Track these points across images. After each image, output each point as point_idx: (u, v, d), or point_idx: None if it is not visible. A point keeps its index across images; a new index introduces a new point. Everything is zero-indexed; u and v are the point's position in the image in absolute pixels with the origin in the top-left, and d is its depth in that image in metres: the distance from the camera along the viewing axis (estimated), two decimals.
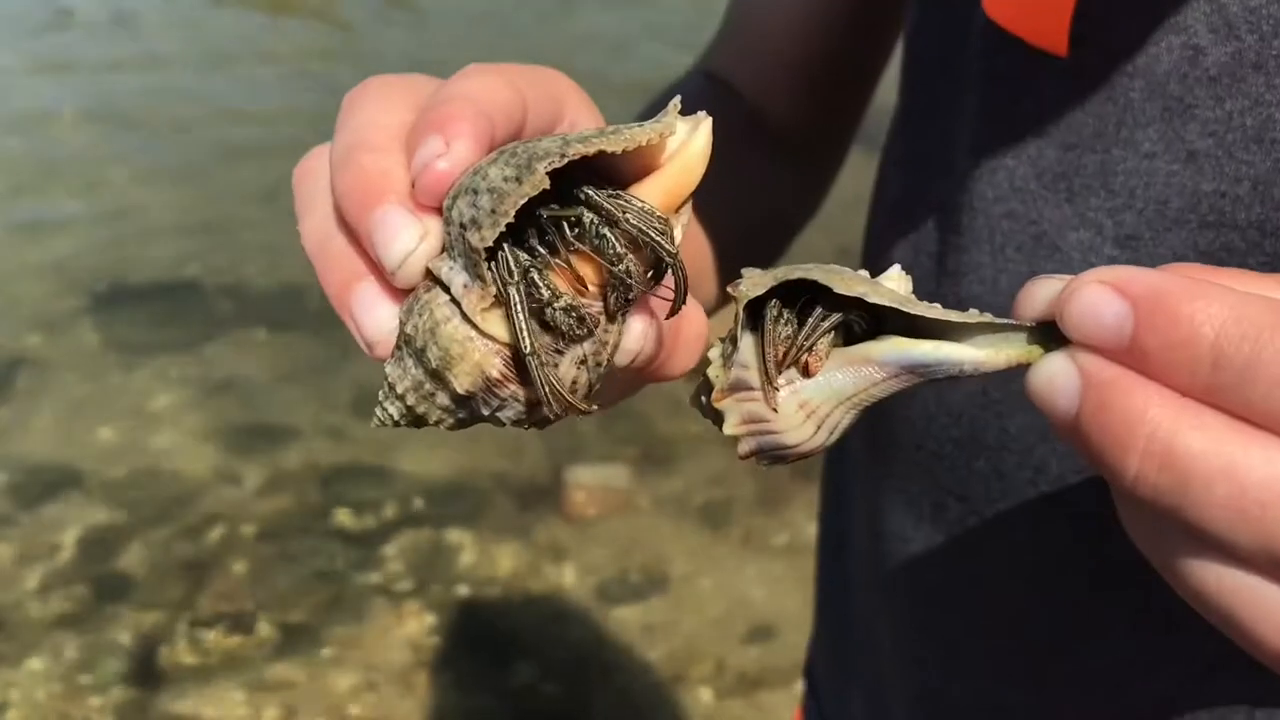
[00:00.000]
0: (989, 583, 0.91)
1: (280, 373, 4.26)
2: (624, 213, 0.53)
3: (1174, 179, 0.73)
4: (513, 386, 0.55)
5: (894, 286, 0.55)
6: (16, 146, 5.66)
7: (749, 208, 1.08)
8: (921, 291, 0.90)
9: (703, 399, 0.58)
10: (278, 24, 7.16)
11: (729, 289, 0.55)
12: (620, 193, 0.54)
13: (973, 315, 0.52)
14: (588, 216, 0.52)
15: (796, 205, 1.19)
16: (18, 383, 4.18)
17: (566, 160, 0.52)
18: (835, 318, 0.55)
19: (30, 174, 5.46)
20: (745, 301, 0.55)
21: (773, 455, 0.56)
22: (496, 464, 3.91)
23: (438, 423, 0.58)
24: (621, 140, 0.53)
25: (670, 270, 0.54)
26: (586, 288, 0.54)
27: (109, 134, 5.81)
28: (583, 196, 0.53)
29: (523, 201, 0.51)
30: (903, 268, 0.65)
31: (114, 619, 3.28)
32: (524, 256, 0.53)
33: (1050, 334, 0.49)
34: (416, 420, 0.58)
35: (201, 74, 6.41)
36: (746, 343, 0.55)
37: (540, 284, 0.53)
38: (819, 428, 0.55)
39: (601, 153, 0.53)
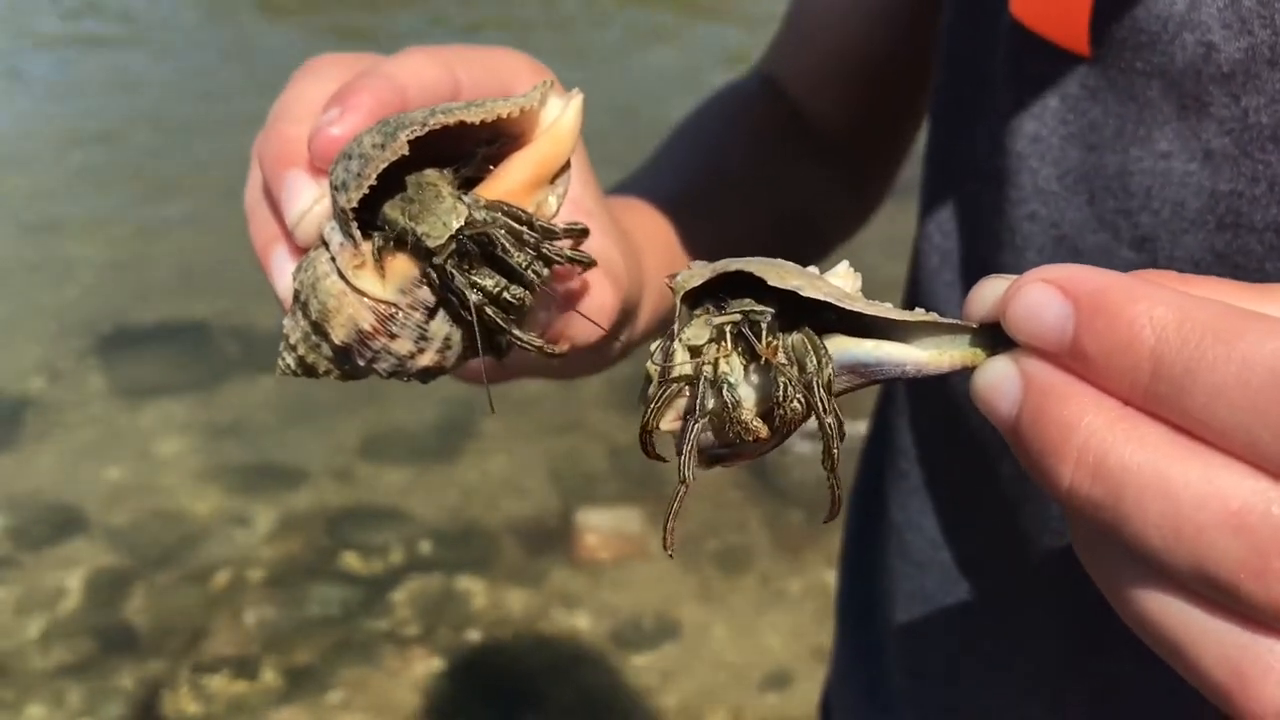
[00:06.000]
0: (1017, 594, 0.89)
1: (288, 415, 4.23)
2: (541, 243, 0.56)
3: (1190, 179, 0.71)
4: (383, 339, 0.58)
5: (840, 283, 0.52)
6: (23, 187, 5.66)
7: (775, 204, 1.08)
8: (949, 296, 0.89)
9: (646, 394, 0.56)
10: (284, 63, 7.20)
11: (664, 280, 0.53)
12: (524, 217, 0.57)
13: (918, 314, 0.49)
14: (517, 257, 0.55)
15: (836, 207, 1.17)
16: (24, 425, 4.15)
17: (428, 129, 0.55)
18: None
19: (37, 217, 5.45)
20: (682, 293, 0.52)
21: (712, 454, 0.53)
22: (506, 506, 3.86)
23: (327, 373, 0.61)
24: (481, 112, 0.57)
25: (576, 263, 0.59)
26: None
27: (117, 177, 5.81)
28: (497, 226, 0.56)
29: (384, 166, 0.55)
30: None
31: (117, 665, 3.22)
32: (488, 284, 0.56)
33: (997, 336, 0.46)
34: (309, 369, 0.61)
35: (207, 116, 6.42)
36: (692, 332, 0.53)
37: (510, 297, 0.56)
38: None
39: (462, 123, 0.56)
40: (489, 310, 0.56)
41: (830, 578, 3.57)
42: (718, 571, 3.67)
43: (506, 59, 0.68)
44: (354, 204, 0.55)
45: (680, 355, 0.52)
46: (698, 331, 0.52)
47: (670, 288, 0.52)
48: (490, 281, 0.56)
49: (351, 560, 3.64)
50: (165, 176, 5.82)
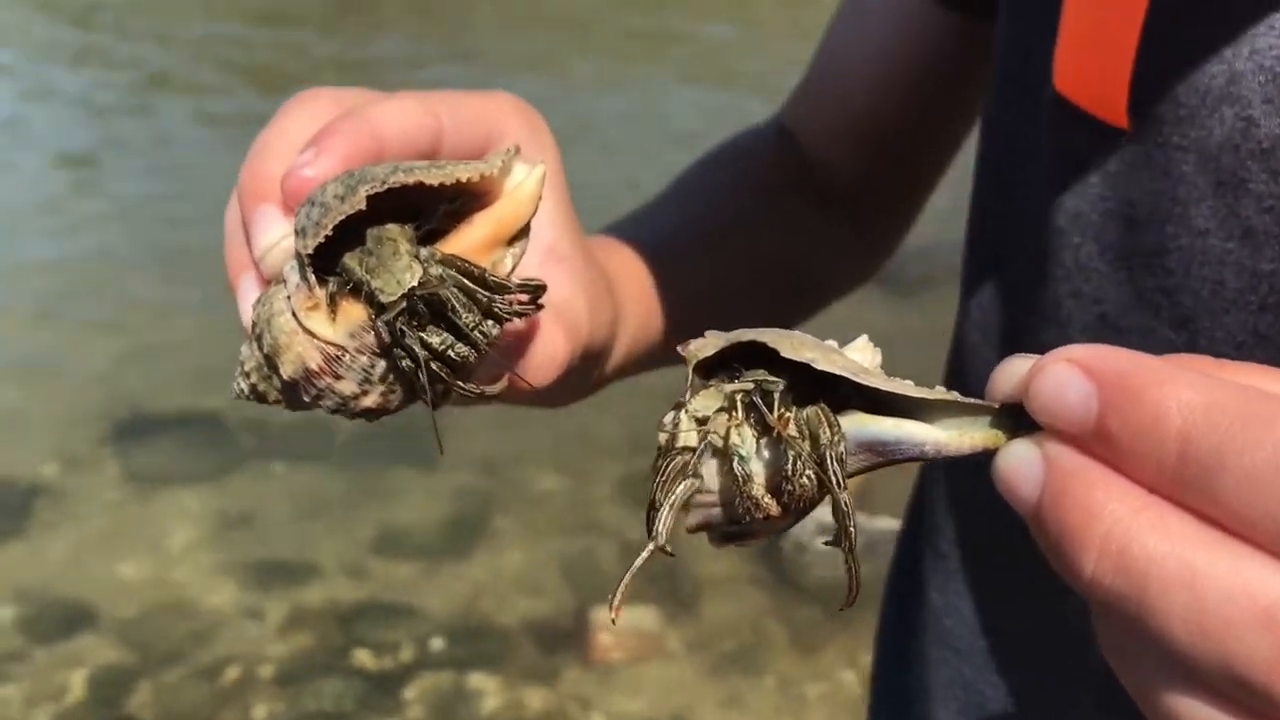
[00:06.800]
0: (1059, 680, 0.87)
1: (301, 508, 4.20)
2: (492, 302, 0.58)
3: (1230, 257, 0.69)
4: (328, 379, 0.59)
5: (858, 357, 0.50)
6: (42, 276, 5.70)
7: (774, 252, 1.09)
8: (990, 374, 0.88)
9: (654, 466, 0.53)
10: None
11: (679, 349, 0.52)
12: (477, 274, 0.59)
13: (938, 392, 0.48)
14: (465, 319, 0.57)
15: (834, 263, 1.18)
16: (34, 513, 4.12)
17: (387, 187, 0.57)
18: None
19: (52, 304, 5.47)
20: (695, 362, 0.51)
21: (725, 533, 0.51)
22: (518, 604, 3.82)
23: (276, 402, 0.63)
24: (440, 175, 0.58)
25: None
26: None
27: (133, 263, 5.85)
28: (449, 285, 0.58)
29: (340, 218, 0.57)
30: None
31: None
32: (434, 341, 0.57)
33: (1019, 418, 0.44)
34: (260, 397, 0.64)
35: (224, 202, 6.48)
36: (700, 403, 0.51)
37: (455, 355, 0.57)
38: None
39: (421, 184, 0.58)
40: (434, 365, 0.58)
41: (849, 677, 3.53)
42: (735, 671, 3.61)
43: (496, 108, 0.69)
44: (310, 250, 0.58)
45: (686, 425, 0.50)
46: (708, 402, 0.51)
47: (683, 356, 0.51)
48: (437, 339, 0.58)
49: (363, 657, 3.59)
50: (182, 265, 5.85)
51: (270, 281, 0.62)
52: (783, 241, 1.10)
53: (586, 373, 0.78)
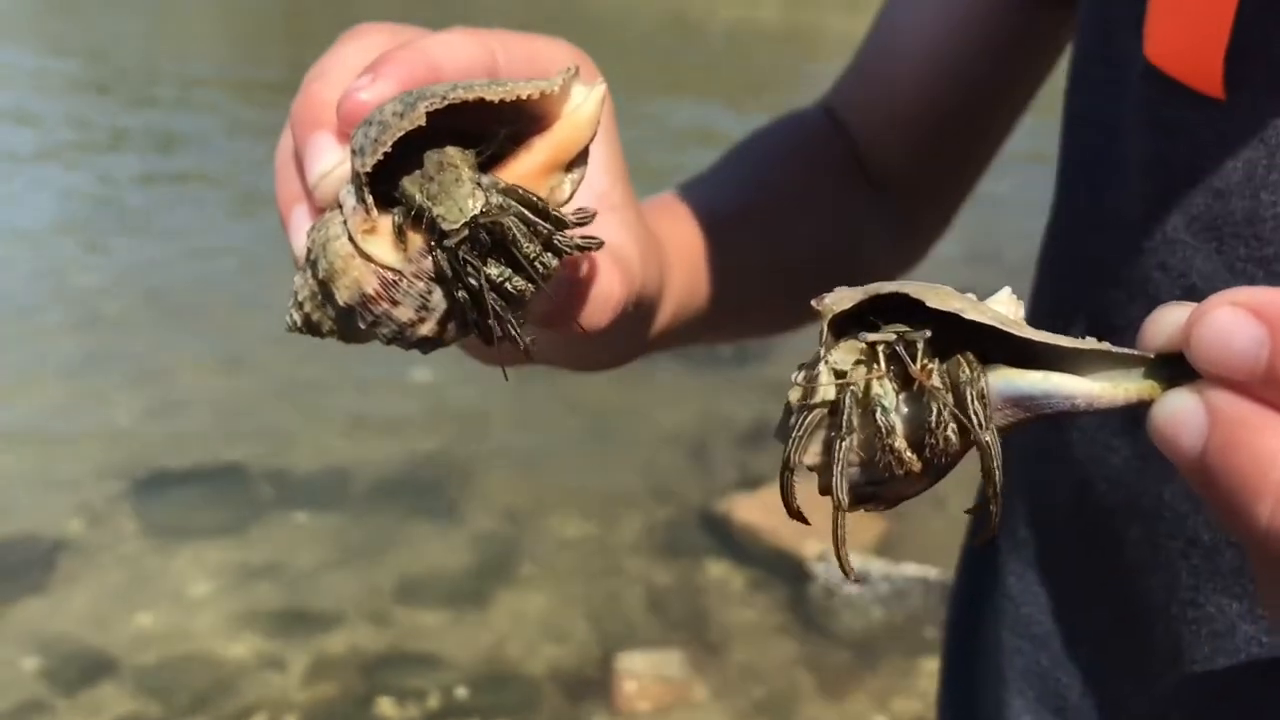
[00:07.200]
0: (1140, 667, 0.85)
1: (322, 557, 4.18)
2: (553, 235, 0.57)
3: None
4: (385, 305, 0.58)
5: (1002, 309, 0.48)
6: (63, 334, 5.72)
7: (818, 235, 1.08)
8: None
9: (785, 425, 0.52)
10: None
11: (813, 303, 0.50)
12: (536, 204, 0.58)
13: (1089, 343, 0.46)
14: (526, 249, 0.56)
15: (879, 249, 1.16)
16: (56, 567, 4.10)
17: (447, 103, 0.56)
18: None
19: (75, 359, 5.49)
20: (830, 317, 0.49)
21: (860, 493, 0.49)
22: (543, 651, 3.78)
23: (330, 332, 0.62)
24: (501, 91, 0.57)
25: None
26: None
27: (155, 320, 5.87)
28: (510, 214, 0.56)
29: (400, 135, 0.56)
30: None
31: None
32: (493, 273, 0.56)
33: (1175, 368, 0.42)
34: (313, 327, 0.62)
35: (248, 260, 6.51)
36: (838, 355, 0.49)
37: (512, 288, 0.56)
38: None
39: (481, 100, 0.57)
40: (490, 297, 0.57)
41: None
42: (763, 718, 3.57)
43: (548, 48, 0.69)
44: (368, 169, 0.57)
45: (825, 378, 0.48)
46: (845, 355, 0.49)
47: (818, 310, 0.49)
48: (496, 270, 0.56)
49: (387, 707, 3.55)
50: (197, 323, 5.88)
51: (324, 212, 0.61)
52: (833, 222, 1.10)
53: (634, 328, 0.77)
